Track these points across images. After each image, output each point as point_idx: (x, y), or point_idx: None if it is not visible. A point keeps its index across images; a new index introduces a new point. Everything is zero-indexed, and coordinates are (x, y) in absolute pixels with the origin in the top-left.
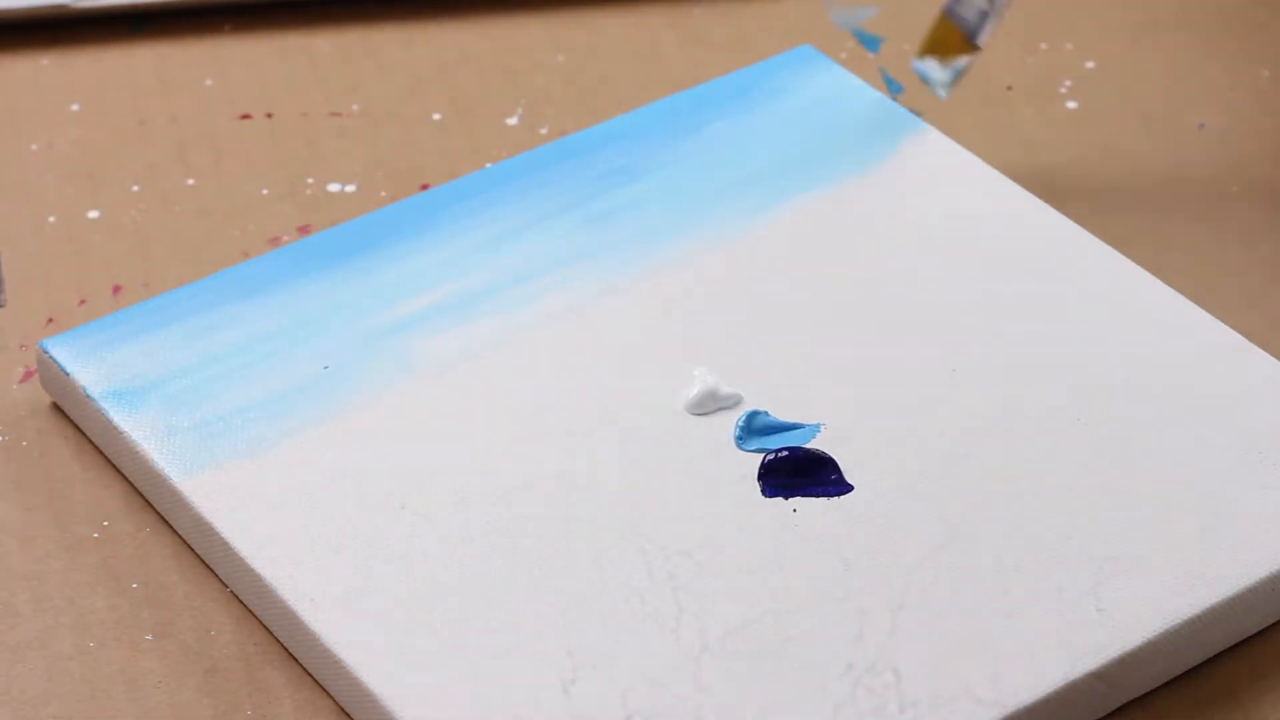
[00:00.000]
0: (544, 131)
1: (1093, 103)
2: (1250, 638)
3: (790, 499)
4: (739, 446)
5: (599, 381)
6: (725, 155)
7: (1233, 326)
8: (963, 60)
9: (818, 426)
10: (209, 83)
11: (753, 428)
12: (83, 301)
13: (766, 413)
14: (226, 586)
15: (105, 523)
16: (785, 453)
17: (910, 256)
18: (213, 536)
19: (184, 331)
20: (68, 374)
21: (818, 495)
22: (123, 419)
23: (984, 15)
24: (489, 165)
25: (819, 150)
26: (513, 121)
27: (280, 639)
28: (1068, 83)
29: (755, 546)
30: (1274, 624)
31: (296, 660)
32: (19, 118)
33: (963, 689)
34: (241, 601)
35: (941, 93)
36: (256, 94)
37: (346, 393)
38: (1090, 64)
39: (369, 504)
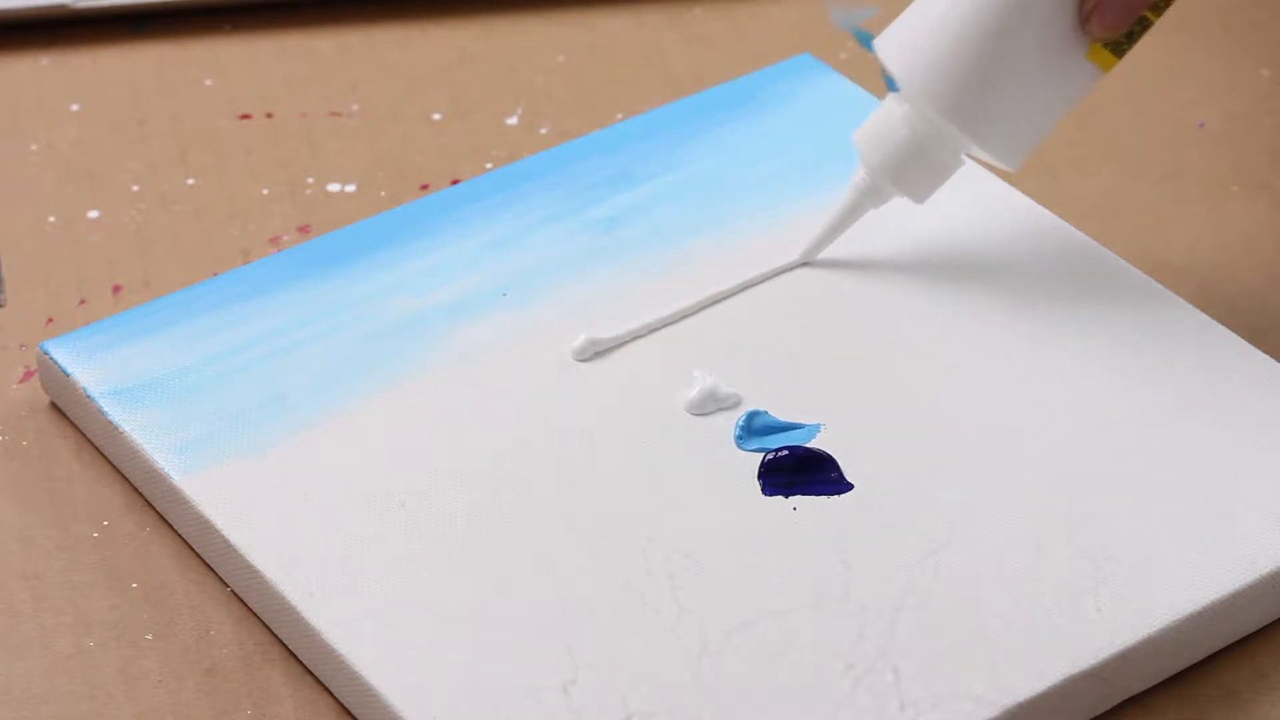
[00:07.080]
0: (544, 131)
1: (1093, 103)
2: (1250, 637)
3: (790, 498)
4: (739, 446)
5: (599, 382)
6: (726, 162)
7: (1232, 327)
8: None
9: (818, 426)
10: (209, 83)
11: (753, 428)
12: (83, 301)
13: (766, 413)
14: (226, 586)
15: (105, 523)
16: (785, 452)
17: (909, 257)
18: (213, 535)
19: (184, 332)
20: (68, 374)
21: (818, 494)
22: (123, 419)
23: None
24: (489, 169)
25: (819, 156)
26: (512, 121)
27: (281, 637)
28: None
29: (755, 546)
30: (1274, 623)
31: (297, 659)
32: (18, 118)
33: (963, 689)
34: (241, 600)
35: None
36: (256, 94)
37: (346, 393)
38: None
39: (369, 503)
